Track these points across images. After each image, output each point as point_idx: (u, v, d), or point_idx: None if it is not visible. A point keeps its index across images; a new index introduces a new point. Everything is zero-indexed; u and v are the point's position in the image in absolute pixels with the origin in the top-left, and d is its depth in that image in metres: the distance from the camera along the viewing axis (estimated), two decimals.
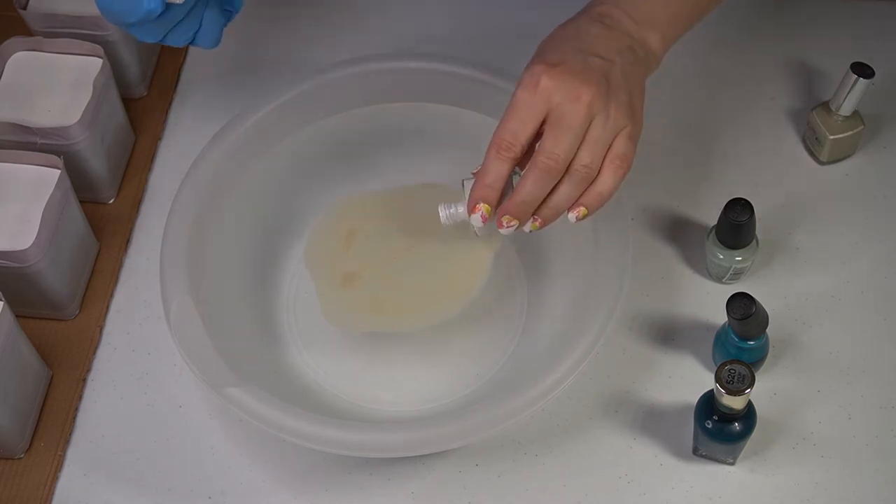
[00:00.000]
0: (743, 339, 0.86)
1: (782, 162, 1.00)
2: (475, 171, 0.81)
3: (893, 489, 0.85)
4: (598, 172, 0.79)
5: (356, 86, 0.94)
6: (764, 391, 0.89)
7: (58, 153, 0.92)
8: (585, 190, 0.79)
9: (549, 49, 0.80)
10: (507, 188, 0.80)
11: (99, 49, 0.97)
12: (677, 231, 0.97)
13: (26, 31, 1.02)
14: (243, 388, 0.81)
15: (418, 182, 0.93)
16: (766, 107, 1.03)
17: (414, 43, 1.07)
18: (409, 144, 0.98)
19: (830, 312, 0.93)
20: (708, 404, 0.83)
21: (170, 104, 1.06)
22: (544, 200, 0.79)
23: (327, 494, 0.87)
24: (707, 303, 0.93)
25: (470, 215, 0.80)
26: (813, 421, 0.88)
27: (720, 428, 0.82)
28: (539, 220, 0.80)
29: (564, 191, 0.79)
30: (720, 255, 0.91)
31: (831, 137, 0.97)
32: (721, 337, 0.88)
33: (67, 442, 0.90)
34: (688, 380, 0.90)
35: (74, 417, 0.91)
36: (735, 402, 0.80)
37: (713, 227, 0.92)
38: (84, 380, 0.93)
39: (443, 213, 0.84)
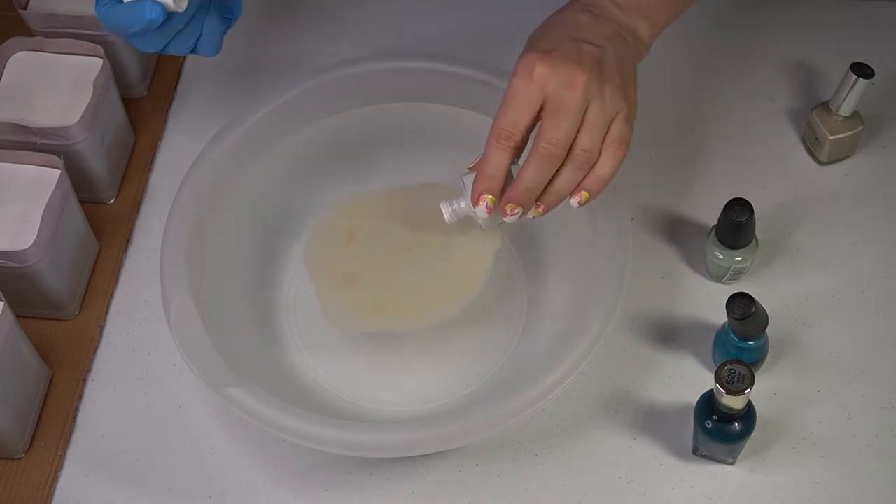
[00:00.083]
0: (743, 339, 0.86)
1: (782, 162, 1.00)
2: (472, 165, 0.81)
3: (893, 489, 0.85)
4: (598, 156, 0.79)
5: (356, 86, 0.94)
6: (764, 391, 0.89)
7: (58, 153, 0.92)
8: (586, 174, 0.79)
9: (541, 38, 0.80)
10: (508, 179, 0.80)
11: (99, 49, 0.97)
12: (677, 231, 0.97)
13: (26, 31, 1.02)
14: (243, 388, 0.81)
15: (418, 182, 0.93)
16: (766, 107, 1.03)
17: (414, 43, 1.07)
18: (409, 144, 0.98)
19: (830, 312, 0.93)
20: (708, 404, 0.83)
21: (170, 104, 1.06)
22: (546, 187, 0.79)
23: (327, 494, 0.87)
24: (707, 303, 0.93)
25: (475, 207, 0.80)
26: (813, 421, 0.88)
27: (720, 428, 0.82)
28: (542, 206, 0.80)
29: (566, 176, 0.79)
30: (720, 255, 0.91)
31: (831, 137, 0.97)
32: (721, 337, 0.88)
33: (67, 442, 0.90)
34: (688, 380, 0.90)
35: (74, 417, 0.91)
36: (735, 402, 0.80)
37: (713, 227, 0.92)
38: (84, 380, 0.93)
39: (446, 210, 0.84)
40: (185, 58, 1.08)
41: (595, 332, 0.82)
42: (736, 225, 0.88)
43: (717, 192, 0.97)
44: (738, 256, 0.91)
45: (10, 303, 0.86)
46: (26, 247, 0.88)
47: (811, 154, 1.00)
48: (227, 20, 0.86)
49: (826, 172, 0.99)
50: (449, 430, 0.80)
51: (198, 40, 0.84)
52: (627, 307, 0.93)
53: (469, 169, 0.82)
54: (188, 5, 0.80)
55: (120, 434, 0.90)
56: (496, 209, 0.80)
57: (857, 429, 0.88)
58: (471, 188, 0.80)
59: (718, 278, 0.94)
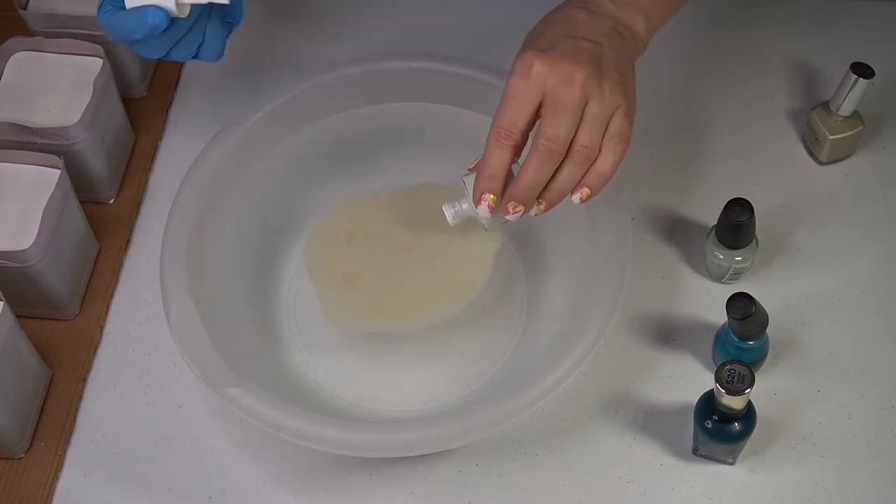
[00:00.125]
0: (743, 339, 0.86)
1: (782, 162, 1.00)
2: (472, 165, 0.81)
3: (893, 489, 0.85)
4: (599, 152, 0.79)
5: (356, 86, 0.94)
6: (764, 391, 0.89)
7: (58, 153, 0.92)
8: (587, 170, 0.79)
9: (538, 37, 0.80)
10: (509, 178, 0.80)
11: (99, 49, 0.97)
12: (677, 231, 0.97)
13: (26, 31, 1.02)
14: (243, 388, 0.81)
15: (418, 182, 0.93)
16: (766, 107, 1.03)
17: (414, 43, 1.07)
18: (409, 144, 0.98)
19: (830, 312, 0.93)
20: (708, 404, 0.83)
21: (170, 104, 1.06)
22: (548, 184, 0.79)
23: (327, 494, 0.87)
24: (707, 303, 0.93)
25: (477, 207, 0.80)
26: (813, 421, 0.88)
27: (720, 428, 0.82)
28: (544, 203, 0.80)
29: (567, 172, 0.79)
30: (720, 255, 0.91)
31: (831, 137, 0.97)
32: (721, 337, 0.88)
33: (67, 442, 0.90)
34: (688, 380, 0.90)
35: (74, 417, 0.91)
36: (735, 402, 0.80)
37: (713, 227, 0.92)
38: (84, 380, 0.93)
39: (448, 212, 0.84)
40: None
41: (595, 332, 0.82)
42: (736, 225, 0.88)
43: (716, 192, 0.97)
44: (738, 256, 0.91)
45: (10, 303, 0.86)
46: (26, 247, 0.88)
47: (811, 154, 1.00)
48: (229, 25, 0.86)
49: (826, 172, 0.99)
50: (449, 430, 0.80)
51: (200, 46, 0.84)
52: (627, 307, 0.93)
53: (469, 170, 0.82)
54: (191, 11, 0.80)
55: (120, 434, 0.90)
56: (498, 208, 0.80)
57: (857, 429, 0.88)
58: (472, 189, 0.80)
59: (718, 278, 0.94)
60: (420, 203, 0.91)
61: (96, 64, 0.97)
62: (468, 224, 0.85)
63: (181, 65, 1.08)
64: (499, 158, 0.79)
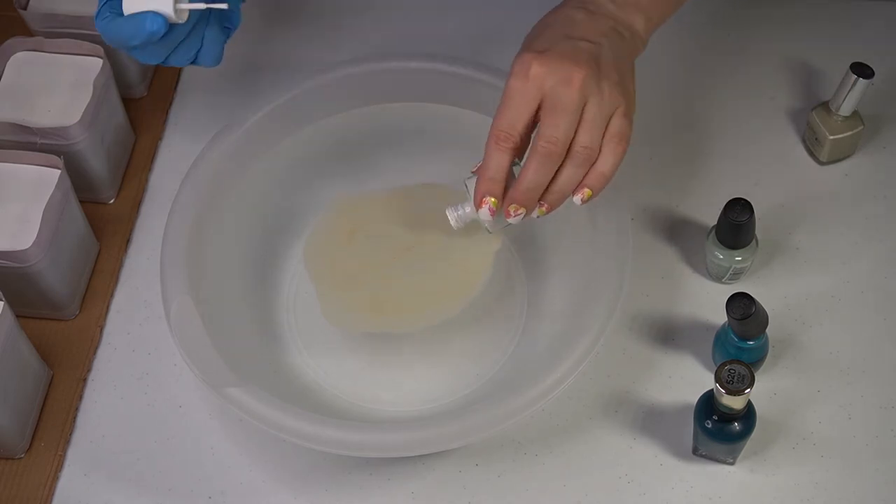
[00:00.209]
0: (743, 339, 0.86)
1: (782, 162, 1.00)
2: (475, 168, 0.81)
3: (893, 489, 0.85)
4: (599, 153, 0.79)
5: (356, 86, 0.94)
6: (764, 391, 0.89)
7: (58, 153, 0.92)
8: (588, 171, 0.79)
9: (536, 38, 0.80)
10: (510, 180, 0.80)
11: (99, 49, 0.97)
12: (677, 231, 0.97)
13: (26, 31, 1.02)
14: (243, 388, 0.81)
15: (418, 182, 0.93)
16: (765, 107, 1.03)
17: (414, 43, 1.07)
18: (409, 144, 0.98)
19: (830, 312, 0.93)
20: (708, 404, 0.83)
21: (170, 104, 1.06)
22: (549, 185, 0.79)
23: (327, 494, 0.87)
24: (707, 303, 0.93)
25: (478, 210, 0.80)
26: (813, 421, 0.88)
27: (720, 428, 0.82)
28: (546, 205, 0.80)
29: (567, 173, 0.79)
30: (720, 255, 0.91)
31: (831, 137, 0.97)
32: (721, 337, 0.88)
33: (67, 442, 0.90)
34: (688, 380, 0.90)
35: (74, 417, 0.91)
36: (735, 402, 0.80)
37: (713, 227, 0.92)
38: (84, 380, 0.93)
39: (451, 216, 0.84)
40: None
41: (595, 332, 0.82)
42: (736, 225, 0.88)
43: (716, 192, 0.97)
44: (738, 256, 0.91)
45: (10, 303, 0.86)
46: (26, 247, 0.88)
47: (811, 154, 1.00)
48: (227, 30, 0.86)
49: (826, 172, 0.99)
50: (449, 430, 0.80)
51: (198, 51, 0.84)
52: (627, 307, 0.92)
53: (472, 172, 0.82)
54: (189, 16, 0.80)
55: (120, 434, 0.90)
56: (499, 211, 0.80)
57: (857, 429, 0.88)
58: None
59: (718, 278, 0.94)
60: (420, 203, 0.91)
61: (96, 64, 0.97)
62: (469, 225, 0.85)
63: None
64: (498, 161, 0.79)
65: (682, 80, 1.05)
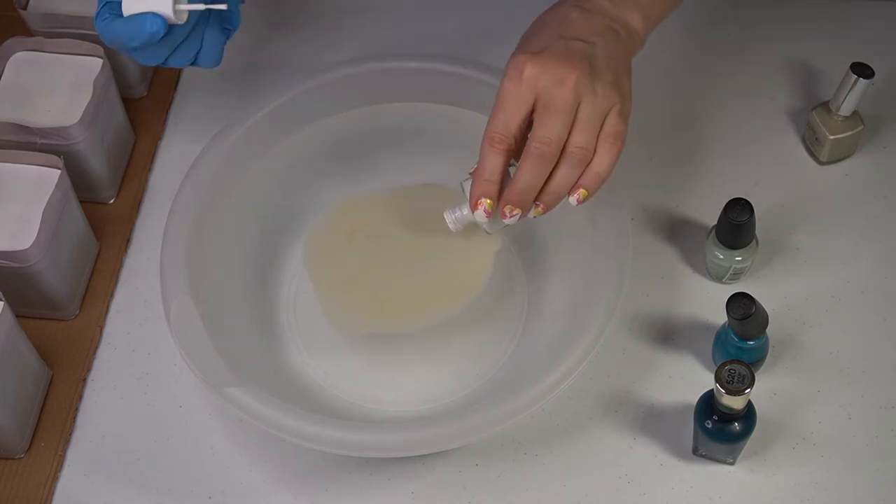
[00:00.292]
0: (743, 339, 0.86)
1: (782, 162, 1.00)
2: (472, 170, 0.81)
3: (893, 489, 0.85)
4: (594, 153, 0.79)
5: (356, 86, 0.94)
6: (764, 391, 0.89)
7: (58, 153, 0.92)
8: (583, 172, 0.79)
9: (531, 38, 0.80)
10: (506, 181, 0.80)
11: (99, 49, 0.97)
12: (677, 231, 0.97)
13: (26, 31, 1.02)
14: (243, 388, 0.81)
15: (418, 182, 0.93)
16: (765, 107, 1.03)
17: (414, 43, 1.07)
18: (409, 144, 0.98)
19: (830, 312, 0.93)
20: (708, 404, 0.83)
21: (170, 104, 1.06)
22: (544, 186, 0.79)
23: (327, 494, 0.87)
24: (707, 303, 0.93)
25: (473, 212, 0.80)
26: (813, 421, 0.88)
27: (720, 428, 0.82)
28: (541, 205, 0.80)
29: (562, 174, 0.79)
30: (720, 255, 0.91)
31: (831, 137, 0.97)
32: (721, 337, 0.88)
33: (67, 442, 0.90)
34: (688, 380, 0.90)
35: (74, 417, 0.91)
36: (735, 402, 0.80)
37: (713, 227, 0.92)
38: (84, 380, 0.93)
39: (449, 218, 0.84)
40: None
41: (595, 332, 0.82)
42: (736, 225, 0.88)
43: (716, 192, 0.97)
44: (738, 256, 0.91)
45: (10, 303, 0.86)
46: (26, 247, 0.88)
47: (811, 154, 1.00)
48: (227, 31, 0.86)
49: (826, 172, 0.99)
50: (449, 430, 0.80)
51: (198, 52, 0.84)
52: (627, 307, 0.92)
53: (470, 174, 0.82)
54: (188, 17, 0.80)
55: (120, 434, 0.90)
56: (495, 212, 0.80)
57: (857, 429, 0.88)
58: None
59: (718, 278, 0.94)
60: (420, 203, 0.91)
61: (96, 64, 0.97)
62: (469, 226, 0.85)
63: None
64: (493, 163, 0.79)
65: (681, 80, 1.05)
